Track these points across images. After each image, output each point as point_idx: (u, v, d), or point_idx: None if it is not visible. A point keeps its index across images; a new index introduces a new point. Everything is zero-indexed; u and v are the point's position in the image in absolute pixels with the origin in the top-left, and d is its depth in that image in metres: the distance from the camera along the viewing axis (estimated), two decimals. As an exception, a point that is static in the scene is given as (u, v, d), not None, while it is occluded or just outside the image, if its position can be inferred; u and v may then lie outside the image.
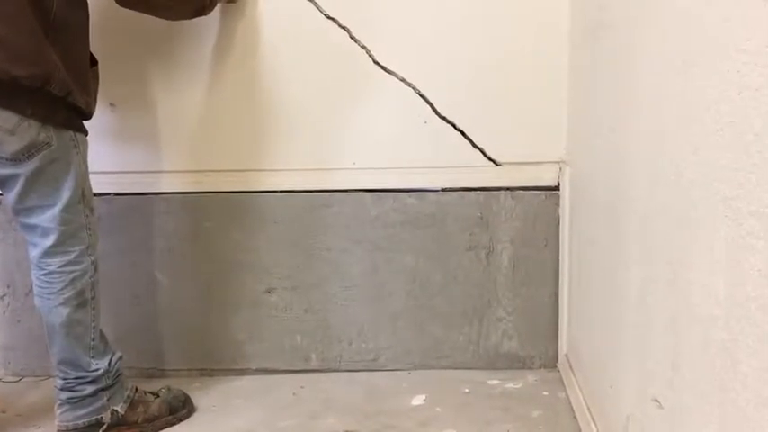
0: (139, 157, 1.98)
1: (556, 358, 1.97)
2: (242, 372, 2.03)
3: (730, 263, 0.79)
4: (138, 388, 1.75)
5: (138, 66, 1.93)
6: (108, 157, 1.93)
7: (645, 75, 1.14)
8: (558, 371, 1.94)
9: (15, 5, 1.41)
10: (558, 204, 1.91)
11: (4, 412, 1.89)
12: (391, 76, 1.90)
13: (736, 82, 0.76)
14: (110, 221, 1.96)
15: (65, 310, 1.58)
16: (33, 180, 1.51)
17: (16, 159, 1.48)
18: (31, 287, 1.87)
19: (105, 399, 1.65)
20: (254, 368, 2.04)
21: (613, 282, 1.38)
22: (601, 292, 1.53)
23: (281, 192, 1.97)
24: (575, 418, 1.69)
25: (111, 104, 1.93)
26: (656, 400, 1.08)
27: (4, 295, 2.06)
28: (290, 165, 1.96)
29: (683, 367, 0.96)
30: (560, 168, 1.90)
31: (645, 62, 1.14)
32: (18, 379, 2.07)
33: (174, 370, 2.05)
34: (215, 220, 1.99)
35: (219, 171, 1.98)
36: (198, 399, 1.87)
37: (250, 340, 2.03)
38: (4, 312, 2.07)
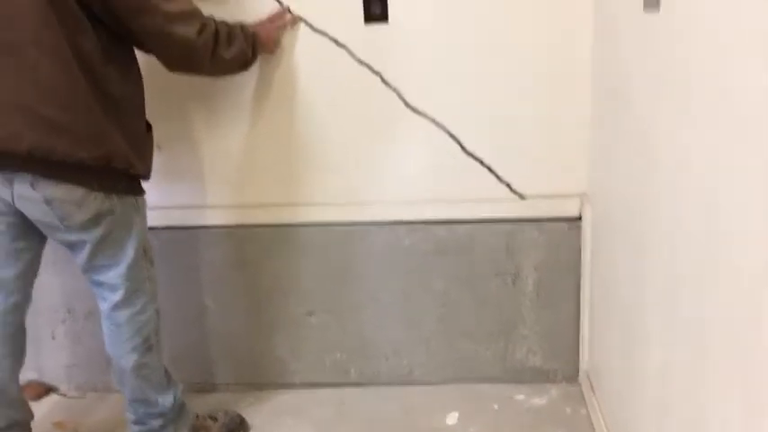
0: (186, 192, 2.11)
1: (576, 372, 2.13)
2: (287, 386, 2.22)
3: (753, 294, 0.91)
4: (199, 414, 1.93)
5: (182, 108, 2.04)
6: (156, 193, 2.05)
7: (664, 116, 1.25)
8: (580, 385, 2.11)
9: (76, 90, 1.51)
10: (579, 234, 2.04)
11: (76, 431, 2.08)
12: (422, 116, 2.00)
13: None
14: (160, 253, 2.07)
15: (134, 356, 1.75)
16: (100, 244, 1.66)
17: (84, 227, 1.62)
18: (89, 311, 2.07)
19: (172, 429, 1.84)
20: (297, 382, 2.22)
21: (633, 308, 1.52)
22: (621, 316, 1.67)
23: (320, 224, 2.11)
24: (595, 437, 1.87)
25: (157, 146, 2.04)
26: None
27: (65, 320, 2.23)
28: (327, 199, 2.09)
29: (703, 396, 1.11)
30: (582, 200, 2.02)
31: (664, 104, 1.26)
32: (82, 395, 2.26)
33: (224, 384, 2.24)
34: (258, 250, 2.13)
35: (261, 205, 2.11)
36: (250, 416, 2.06)
37: (293, 357, 2.21)
38: (65, 334, 2.24)
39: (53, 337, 2.24)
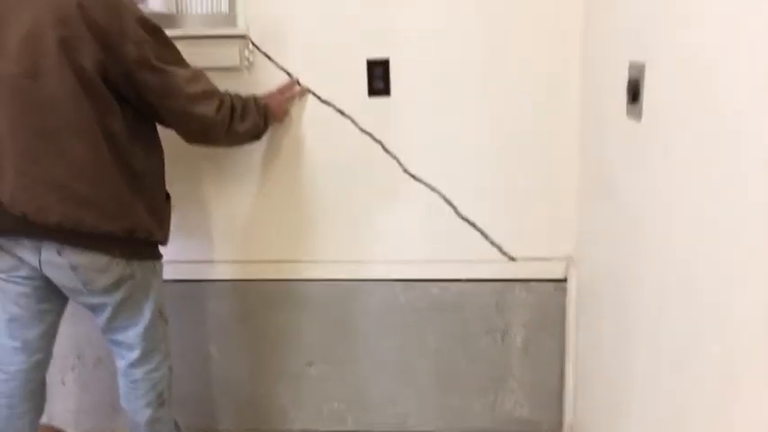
0: (195, 248, 2.23)
1: (561, 425, 2.26)
2: (286, 432, 2.34)
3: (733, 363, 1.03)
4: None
5: (194, 170, 2.17)
6: (168, 248, 2.16)
7: (646, 203, 1.39)
8: (563, 437, 2.25)
9: (104, 167, 1.64)
10: (565, 295, 2.17)
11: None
12: (419, 182, 2.14)
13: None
14: (169, 304, 2.19)
15: (148, 411, 1.86)
16: (120, 307, 1.77)
17: (106, 291, 1.74)
18: (98, 359, 2.17)
19: (179, 478, 1.95)
20: (297, 429, 2.33)
21: (617, 366, 1.65)
22: (604, 373, 1.80)
23: (321, 280, 2.23)
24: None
25: (172, 206, 2.16)
26: None
27: (74, 366, 2.33)
28: (328, 256, 2.22)
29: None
30: (568, 264, 2.16)
31: (647, 195, 1.40)
32: (89, 438, 2.36)
33: (226, 430, 2.35)
34: (261, 304, 2.26)
35: (265, 261, 2.23)
36: (251, 463, 2.17)
37: (293, 406, 2.32)
38: (75, 381, 2.34)
39: (63, 383, 2.34)
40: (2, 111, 1.58)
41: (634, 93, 1.41)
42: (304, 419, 2.33)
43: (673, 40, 1.23)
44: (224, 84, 1.86)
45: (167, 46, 1.69)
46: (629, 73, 1.44)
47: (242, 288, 2.26)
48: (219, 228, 2.23)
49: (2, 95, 1.57)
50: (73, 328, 2.28)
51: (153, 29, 1.65)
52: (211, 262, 2.24)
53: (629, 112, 1.45)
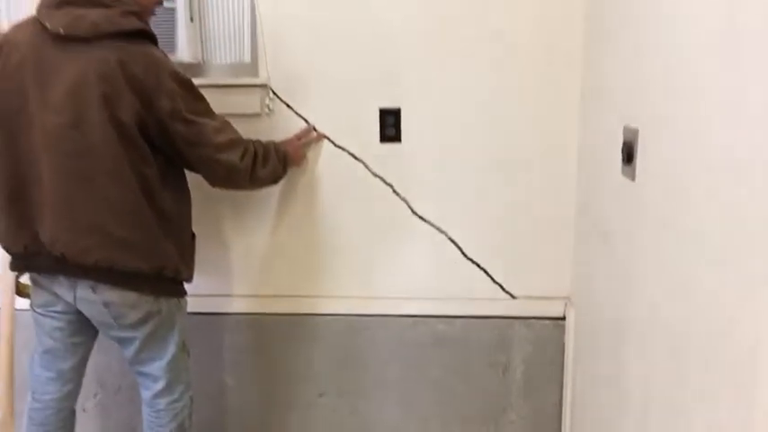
0: (213, 283, 2.35)
1: (558, 456, 2.38)
2: (296, 460, 2.45)
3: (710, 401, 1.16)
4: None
5: (214, 210, 2.29)
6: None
7: (638, 253, 1.52)
8: (560, 468, 2.36)
9: (138, 211, 1.76)
10: (563, 332, 2.30)
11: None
12: (427, 223, 2.27)
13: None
14: (188, 335, 2.33)
15: (170, 439, 1.98)
16: (147, 340, 1.89)
17: (134, 326, 1.86)
18: (119, 387, 2.29)
19: (197, 503, 2.06)
20: (306, 457, 2.45)
21: (610, 401, 1.77)
22: (600, 407, 1.92)
23: (331, 315, 2.36)
24: None
25: (191, 242, 2.29)
26: None
27: (96, 393, 2.45)
28: (339, 292, 2.34)
29: None
30: (566, 303, 2.29)
31: (639, 245, 1.53)
32: (108, 462, 2.47)
33: (238, 457, 2.46)
34: (275, 336, 2.38)
35: (279, 296, 2.36)
36: (263, 489, 2.28)
37: (304, 434, 2.44)
38: (95, 407, 2.46)
39: (84, 410, 2.45)
40: (45, 158, 1.71)
41: (628, 154, 1.54)
42: (314, 448, 2.45)
43: (664, 110, 1.36)
44: (245, 128, 2.00)
45: (198, 98, 1.83)
46: (624, 136, 1.57)
47: (257, 321, 2.38)
48: (237, 264, 2.35)
49: (46, 143, 1.71)
50: (95, 357, 2.37)
51: (185, 83, 1.79)
52: (229, 296, 2.37)
53: (623, 172, 1.58)
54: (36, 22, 1.75)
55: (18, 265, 1.86)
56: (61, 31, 1.68)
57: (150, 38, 1.78)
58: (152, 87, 1.72)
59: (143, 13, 1.80)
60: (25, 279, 1.98)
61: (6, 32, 1.81)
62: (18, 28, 1.80)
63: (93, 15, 1.69)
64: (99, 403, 2.44)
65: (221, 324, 2.38)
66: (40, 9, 1.74)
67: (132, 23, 1.73)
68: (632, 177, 1.53)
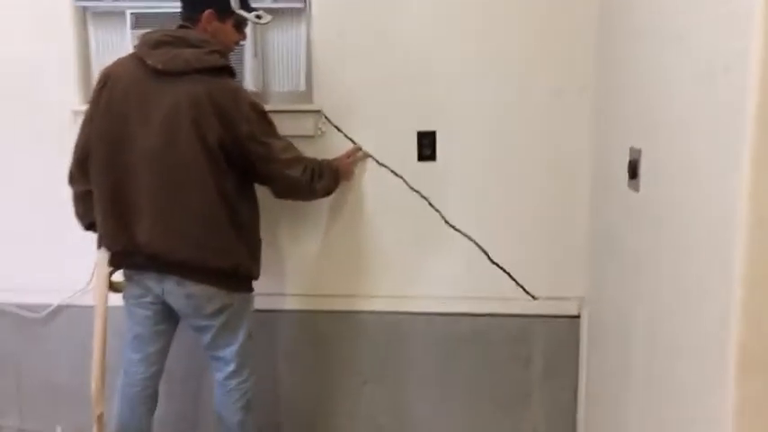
0: (269, 283, 2.65)
1: (574, 440, 2.68)
2: (341, 442, 2.76)
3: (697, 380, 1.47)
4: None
5: (271, 219, 2.61)
6: (246, 283, 2.62)
7: (645, 254, 1.83)
8: (576, 450, 2.66)
9: (218, 218, 2.08)
10: (578, 330, 2.60)
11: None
12: (458, 232, 2.59)
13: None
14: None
15: (239, 415, 2.29)
16: (221, 328, 2.21)
17: (211, 316, 2.18)
18: (185, 376, 2.60)
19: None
20: (350, 440, 2.76)
21: (618, 388, 2.07)
22: (609, 395, 2.21)
23: (373, 312, 2.67)
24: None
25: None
26: None
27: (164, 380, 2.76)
28: (380, 292, 2.66)
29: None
30: (581, 303, 2.59)
31: (644, 248, 1.84)
32: (169, 446, 2.78)
33: (290, 440, 2.77)
34: (324, 331, 2.69)
35: (329, 295, 2.67)
36: (313, 466, 2.58)
37: (349, 419, 2.74)
38: (162, 393, 2.76)
39: (153, 395, 2.76)
40: (144, 173, 2.05)
41: (633, 170, 1.86)
42: (357, 430, 2.75)
43: (662, 134, 1.68)
44: (300, 148, 2.32)
45: (269, 123, 2.16)
46: (630, 155, 1.89)
47: (308, 318, 2.70)
48: (291, 267, 2.68)
49: (145, 161, 2.04)
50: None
51: (260, 111, 2.13)
52: (283, 295, 2.69)
53: (629, 185, 1.90)
54: (135, 59, 2.09)
55: (116, 262, 2.19)
56: (160, 66, 2.02)
57: (230, 72, 2.12)
58: (233, 114, 2.05)
59: (224, 51, 2.15)
60: (115, 277, 2.30)
61: (109, 67, 2.15)
62: (119, 64, 2.14)
63: (186, 54, 2.04)
64: (164, 389, 2.75)
65: (276, 320, 2.70)
66: (141, 47, 2.09)
67: (216, 61, 2.07)
68: (636, 189, 1.85)
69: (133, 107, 2.05)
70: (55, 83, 2.60)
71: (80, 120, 2.26)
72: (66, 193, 2.29)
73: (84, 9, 2.58)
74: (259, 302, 2.54)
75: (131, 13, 2.49)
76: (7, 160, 2.69)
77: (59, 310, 2.76)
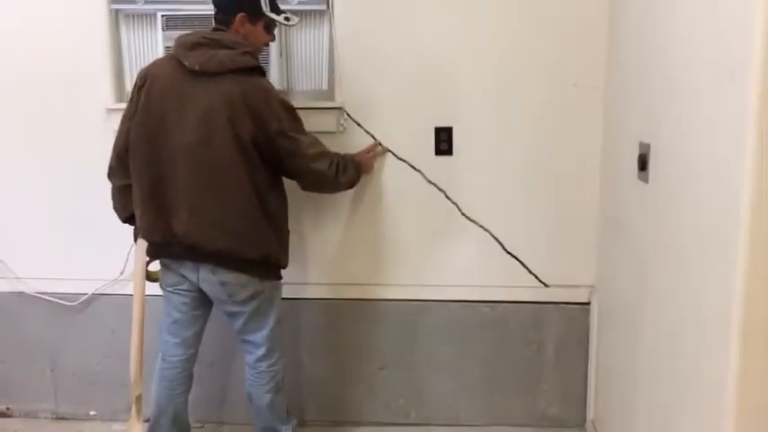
0: (293, 272, 2.76)
1: (584, 421, 2.80)
2: (361, 423, 2.88)
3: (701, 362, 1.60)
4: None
5: (295, 210, 2.72)
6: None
7: (651, 246, 1.96)
8: (586, 430, 2.79)
9: (251, 210, 2.20)
10: (588, 316, 2.73)
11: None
12: (473, 223, 2.72)
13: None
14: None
15: (269, 396, 2.42)
16: (252, 314, 2.34)
17: (244, 302, 2.31)
18: (213, 361, 2.73)
19: (288, 451, 2.51)
20: (369, 421, 2.88)
21: (626, 371, 2.20)
22: (618, 377, 2.34)
23: (392, 300, 2.80)
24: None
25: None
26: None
27: (193, 366, 2.89)
28: (399, 281, 2.79)
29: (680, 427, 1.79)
30: (591, 291, 2.72)
31: (653, 239, 1.96)
32: (201, 425, 2.91)
33: (311, 420, 2.89)
34: (344, 318, 2.83)
35: (349, 284, 2.80)
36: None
37: (367, 402, 2.88)
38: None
39: (183, 379, 2.89)
40: (182, 168, 2.17)
41: (642, 163, 1.99)
42: (375, 413, 2.88)
43: (670, 129, 1.80)
44: (331, 142, 2.45)
45: (297, 120, 2.29)
46: (640, 149, 2.02)
47: (329, 305, 2.83)
48: (313, 256, 2.81)
49: (182, 157, 2.16)
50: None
51: (289, 108, 2.25)
52: (305, 284, 2.82)
53: (639, 177, 2.03)
54: (172, 60, 2.21)
55: (154, 252, 2.32)
56: (197, 67, 2.15)
57: (261, 72, 2.25)
58: (265, 112, 2.18)
59: (255, 52, 2.27)
60: (151, 267, 2.43)
61: (148, 67, 2.27)
62: (157, 64, 2.27)
63: (221, 55, 2.16)
64: (196, 372, 2.88)
65: (299, 307, 2.83)
66: (177, 49, 2.21)
67: (249, 61, 2.20)
68: (646, 181, 1.97)
69: (171, 106, 2.17)
70: (90, 81, 2.72)
71: (114, 117, 2.40)
72: (100, 186, 2.42)
73: (118, 11, 2.71)
74: (284, 291, 2.67)
75: (162, 16, 2.62)
76: (44, 154, 2.82)
77: (93, 298, 2.89)
